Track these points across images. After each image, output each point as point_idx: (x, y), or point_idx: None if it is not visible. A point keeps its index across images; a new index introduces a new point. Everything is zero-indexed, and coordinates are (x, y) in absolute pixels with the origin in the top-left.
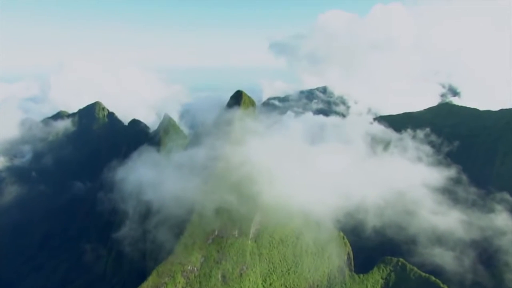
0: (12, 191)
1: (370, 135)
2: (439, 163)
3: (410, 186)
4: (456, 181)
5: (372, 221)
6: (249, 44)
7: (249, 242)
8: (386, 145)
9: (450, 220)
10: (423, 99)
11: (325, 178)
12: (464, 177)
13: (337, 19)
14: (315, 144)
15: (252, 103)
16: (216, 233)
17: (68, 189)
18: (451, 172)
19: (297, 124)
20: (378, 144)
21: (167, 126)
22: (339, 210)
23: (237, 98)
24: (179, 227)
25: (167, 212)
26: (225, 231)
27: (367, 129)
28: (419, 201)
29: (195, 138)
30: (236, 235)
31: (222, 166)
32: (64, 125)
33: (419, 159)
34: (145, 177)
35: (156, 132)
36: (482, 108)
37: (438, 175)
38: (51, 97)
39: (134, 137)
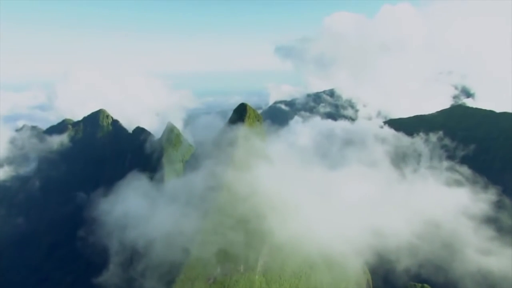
0: (17, 201)
1: (392, 149)
2: (473, 182)
3: (446, 215)
4: (498, 205)
5: (404, 261)
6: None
7: (257, 277)
8: (414, 158)
9: (503, 260)
10: (434, 101)
11: (346, 209)
12: (507, 200)
13: (344, 21)
14: (327, 158)
15: (258, 118)
16: (219, 270)
17: (72, 199)
18: (491, 195)
19: (305, 130)
20: (402, 160)
21: (170, 135)
22: (363, 248)
23: (241, 113)
24: (171, 273)
25: (157, 255)
26: (228, 268)
27: (378, 133)
28: (460, 234)
29: (193, 161)
30: (242, 270)
31: (225, 197)
32: (68, 133)
33: (454, 181)
34: (132, 210)
35: (159, 141)
36: (498, 110)
37: (477, 199)
38: (57, 105)
39: (138, 146)
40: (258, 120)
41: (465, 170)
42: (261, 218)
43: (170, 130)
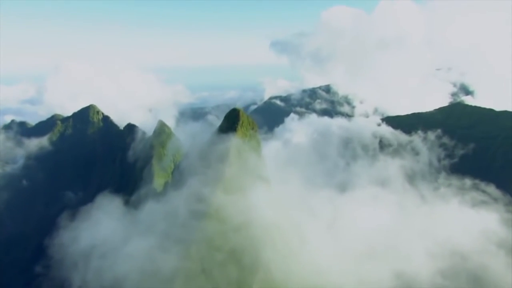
0: (3, 201)
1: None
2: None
3: (474, 244)
4: None
5: None
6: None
7: None
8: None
9: None
10: (432, 99)
11: (357, 241)
12: None
13: (342, 15)
14: (326, 160)
15: (252, 125)
16: None
17: (59, 199)
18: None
19: (301, 128)
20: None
21: (161, 134)
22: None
23: (233, 120)
24: None
25: None
26: None
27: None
28: (490, 267)
29: (177, 175)
30: None
31: (213, 226)
32: (57, 129)
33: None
34: (101, 240)
35: (149, 140)
36: (498, 108)
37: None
38: (47, 99)
39: (128, 145)
40: (253, 128)
41: (491, 189)
42: (257, 253)
43: (161, 129)
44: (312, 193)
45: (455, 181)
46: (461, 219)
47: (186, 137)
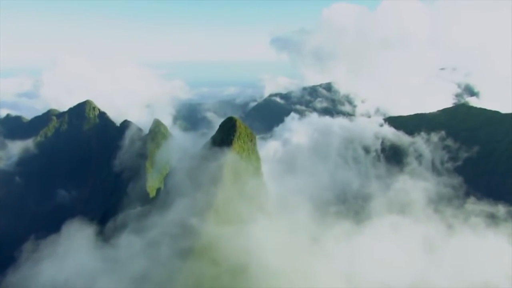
0: None
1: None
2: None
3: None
4: None
5: None
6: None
7: None
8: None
9: None
10: (435, 99)
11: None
12: None
13: (344, 12)
14: (329, 162)
15: (251, 137)
16: None
17: (52, 197)
18: None
19: (301, 128)
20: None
21: (156, 134)
22: None
23: (228, 131)
24: None
25: None
26: None
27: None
28: None
29: (164, 197)
30: None
31: (200, 269)
32: (53, 125)
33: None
34: (61, 282)
35: (144, 139)
36: (504, 110)
37: None
38: (43, 93)
39: (122, 143)
40: (251, 141)
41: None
42: None
43: (156, 129)
44: (321, 224)
45: (485, 207)
46: (497, 255)
47: (173, 149)
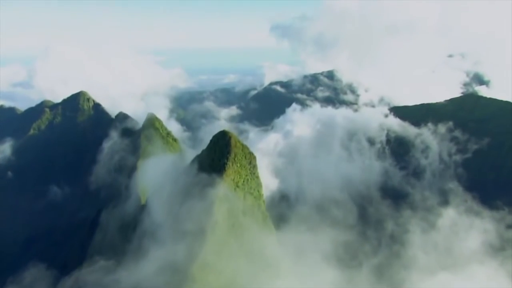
0: None
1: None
2: None
3: None
4: None
5: None
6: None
7: None
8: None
9: None
10: (442, 88)
11: None
12: None
13: None
14: (333, 157)
15: (249, 158)
16: None
17: (45, 194)
18: None
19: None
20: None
21: (150, 129)
22: None
23: (221, 150)
24: None
25: None
26: None
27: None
28: None
29: (137, 243)
30: None
31: None
32: (46, 117)
33: None
34: None
35: (138, 133)
36: None
37: None
38: (37, 83)
39: (120, 134)
40: (251, 162)
41: None
42: None
43: (150, 123)
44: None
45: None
46: None
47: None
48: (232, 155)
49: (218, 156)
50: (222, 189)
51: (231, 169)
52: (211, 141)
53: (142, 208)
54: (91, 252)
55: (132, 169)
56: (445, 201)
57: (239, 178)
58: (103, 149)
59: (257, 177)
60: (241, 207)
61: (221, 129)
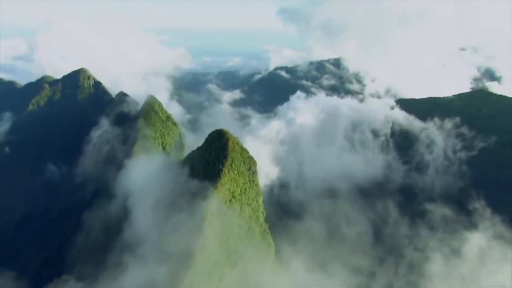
0: None
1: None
2: None
3: None
4: None
5: None
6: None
7: None
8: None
9: None
10: (451, 82)
11: None
12: None
13: None
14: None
15: (248, 163)
16: None
17: (41, 172)
18: None
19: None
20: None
21: (149, 112)
22: None
23: (216, 153)
24: None
25: None
26: None
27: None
28: None
29: (116, 258)
30: None
31: None
32: (45, 93)
33: None
34: None
35: (136, 117)
36: None
37: None
38: (37, 58)
39: (118, 116)
40: (250, 168)
41: None
42: None
43: (150, 106)
44: None
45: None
46: None
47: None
48: (229, 160)
49: (213, 159)
50: (215, 201)
51: (227, 177)
52: (206, 140)
53: (126, 211)
54: (72, 259)
55: (125, 157)
56: (445, 196)
57: (236, 187)
58: (97, 131)
59: (257, 184)
60: (237, 222)
61: (223, 113)
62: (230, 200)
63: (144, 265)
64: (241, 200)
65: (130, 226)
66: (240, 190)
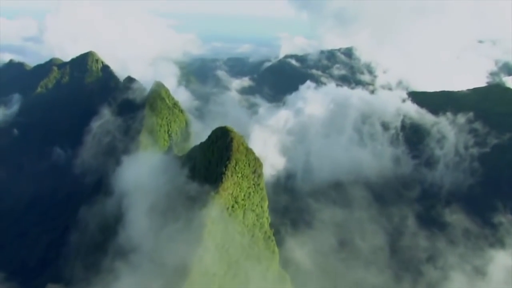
0: None
1: None
2: None
3: None
4: None
5: None
6: None
7: None
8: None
9: None
10: (466, 76)
11: None
12: None
13: None
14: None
15: (254, 165)
16: None
17: (48, 155)
18: None
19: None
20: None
21: (156, 99)
22: None
23: (220, 153)
24: None
25: None
26: None
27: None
28: None
29: (108, 264)
30: None
31: None
32: (53, 75)
33: None
34: None
35: (142, 103)
36: None
37: None
38: (47, 39)
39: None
40: (255, 171)
41: None
42: None
43: (157, 93)
44: None
45: None
46: None
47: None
48: (233, 162)
49: (215, 159)
50: (216, 208)
51: (230, 180)
52: (209, 137)
53: (122, 211)
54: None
55: (129, 146)
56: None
57: (239, 191)
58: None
59: (262, 188)
60: (239, 230)
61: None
62: (233, 206)
63: (137, 275)
64: (245, 205)
65: (124, 229)
66: (244, 195)
